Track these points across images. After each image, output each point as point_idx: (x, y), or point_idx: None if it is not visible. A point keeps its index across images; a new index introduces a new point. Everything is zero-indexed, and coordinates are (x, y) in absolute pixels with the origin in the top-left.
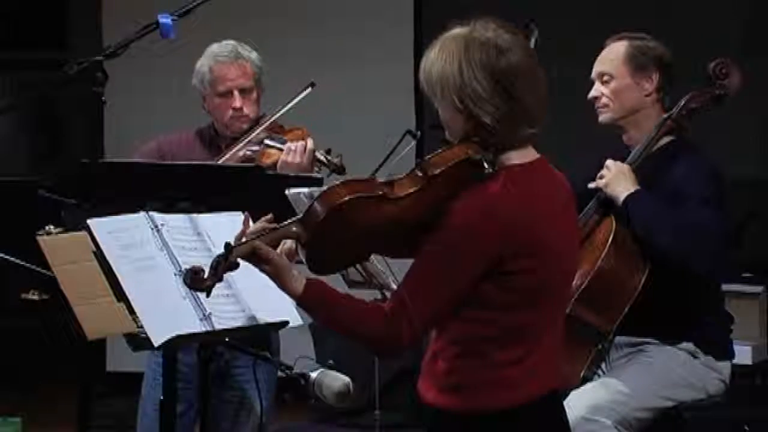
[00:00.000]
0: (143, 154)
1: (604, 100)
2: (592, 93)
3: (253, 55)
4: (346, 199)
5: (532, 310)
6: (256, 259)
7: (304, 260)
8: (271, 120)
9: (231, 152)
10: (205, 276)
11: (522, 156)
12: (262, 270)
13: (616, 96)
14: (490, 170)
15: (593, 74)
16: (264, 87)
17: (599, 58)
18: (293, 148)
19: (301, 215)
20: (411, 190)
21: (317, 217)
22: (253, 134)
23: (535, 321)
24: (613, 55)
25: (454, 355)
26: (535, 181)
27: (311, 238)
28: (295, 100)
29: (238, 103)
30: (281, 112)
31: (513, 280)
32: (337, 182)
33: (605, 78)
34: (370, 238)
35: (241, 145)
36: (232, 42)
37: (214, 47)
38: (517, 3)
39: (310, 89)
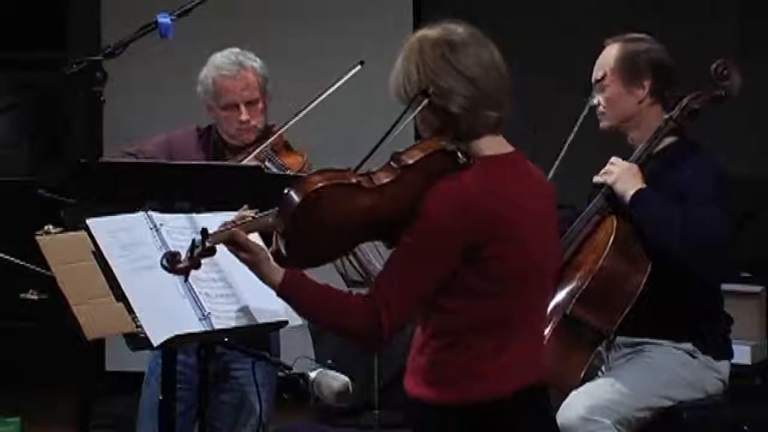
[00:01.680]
0: (154, 145)
1: (600, 108)
2: (592, 101)
3: (257, 63)
4: (320, 185)
5: (514, 299)
6: (234, 246)
7: (283, 252)
8: (314, 102)
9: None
10: (182, 259)
11: (495, 147)
12: (241, 259)
13: (610, 104)
14: (464, 161)
15: (592, 80)
16: (270, 94)
17: (596, 63)
18: None
19: (278, 206)
20: (386, 181)
21: (292, 205)
22: (259, 148)
23: (517, 312)
24: (604, 62)
25: (437, 347)
26: (510, 171)
27: (288, 227)
28: (344, 79)
29: (244, 116)
30: (330, 91)
31: (491, 268)
32: (312, 171)
33: (599, 86)
34: (346, 230)
35: (249, 158)
36: (235, 50)
37: (218, 58)
38: (516, 3)
39: (359, 67)
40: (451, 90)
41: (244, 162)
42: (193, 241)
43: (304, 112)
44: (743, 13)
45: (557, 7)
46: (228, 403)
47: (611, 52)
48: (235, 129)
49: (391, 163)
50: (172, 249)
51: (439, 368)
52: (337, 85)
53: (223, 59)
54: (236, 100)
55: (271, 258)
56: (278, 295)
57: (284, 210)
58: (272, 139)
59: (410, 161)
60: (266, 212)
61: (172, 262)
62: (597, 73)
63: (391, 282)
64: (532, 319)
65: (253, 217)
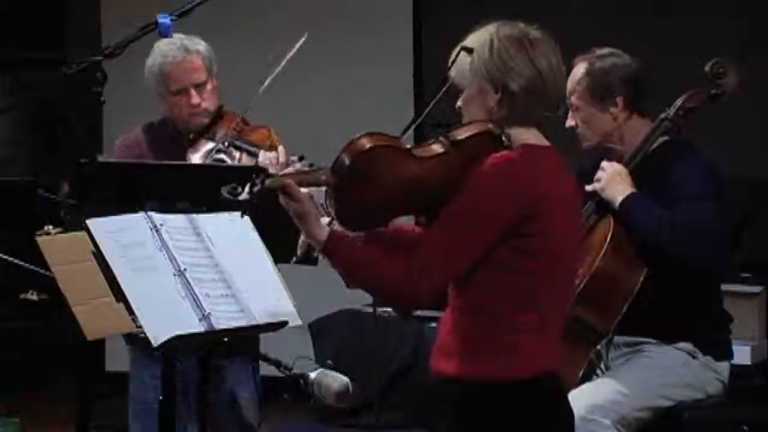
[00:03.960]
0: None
1: (578, 130)
2: (568, 122)
3: (201, 46)
4: (372, 145)
5: (548, 278)
6: (287, 195)
7: (333, 212)
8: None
9: (199, 154)
10: (242, 192)
11: (535, 138)
12: (290, 209)
13: (586, 125)
14: (508, 144)
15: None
16: (217, 75)
17: (566, 85)
18: (269, 161)
19: (331, 165)
20: (435, 152)
21: (344, 163)
22: (220, 139)
23: (551, 290)
24: (573, 84)
25: (470, 325)
26: (549, 158)
27: (338, 185)
28: (293, 51)
29: (195, 99)
30: (280, 66)
31: (529, 245)
32: (362, 133)
33: (573, 108)
34: (393, 194)
35: (212, 149)
36: (179, 36)
37: (162, 45)
38: (516, 3)
39: (304, 38)
40: (520, 73)
41: (210, 147)
42: (253, 179)
43: (263, 86)
44: (743, 13)
45: (561, 7)
46: (216, 402)
47: (579, 74)
48: (187, 114)
49: (441, 138)
50: (172, 249)
51: (471, 346)
52: (287, 58)
53: (167, 46)
54: (185, 84)
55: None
56: (321, 250)
57: (336, 168)
58: (233, 124)
59: (460, 137)
60: (320, 168)
61: (233, 194)
62: (568, 96)
63: (433, 249)
64: (561, 302)
65: (309, 170)
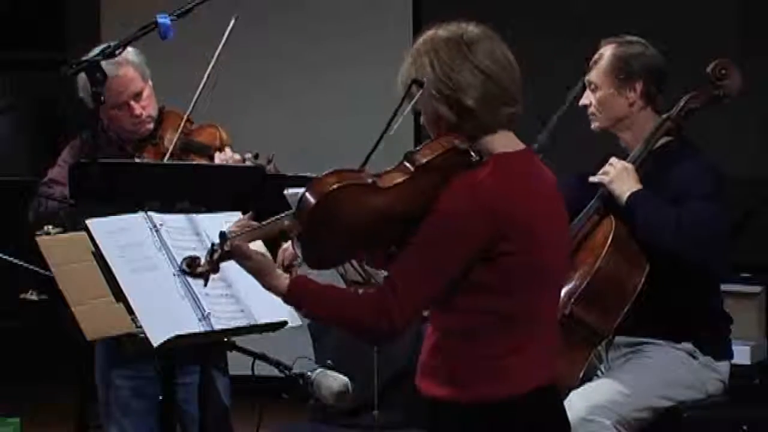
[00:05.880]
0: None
1: (591, 108)
2: (583, 100)
3: (130, 54)
4: (336, 186)
5: (527, 297)
6: (238, 256)
7: (299, 254)
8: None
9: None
10: (201, 263)
11: (508, 143)
12: (244, 267)
13: (601, 105)
14: (477, 159)
15: (586, 80)
16: (150, 77)
17: (590, 64)
18: (226, 162)
19: (293, 208)
20: (400, 180)
21: (308, 206)
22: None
23: (531, 309)
24: (598, 63)
25: (452, 347)
26: (521, 169)
27: (304, 229)
28: (225, 36)
29: (137, 111)
30: (216, 54)
31: (503, 266)
32: (327, 172)
33: (592, 86)
34: (362, 230)
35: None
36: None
37: None
38: (516, 4)
39: (234, 20)
40: (469, 85)
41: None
42: (212, 245)
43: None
44: (743, 13)
45: (561, 6)
46: (194, 384)
47: (605, 54)
48: (131, 125)
49: (405, 162)
50: (172, 249)
51: (454, 367)
52: (221, 45)
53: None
54: (124, 98)
55: (276, 266)
56: (284, 300)
57: (300, 212)
58: (181, 128)
59: (423, 160)
60: (282, 214)
61: (192, 266)
62: (590, 74)
63: (401, 277)
64: (545, 317)
65: (269, 221)
